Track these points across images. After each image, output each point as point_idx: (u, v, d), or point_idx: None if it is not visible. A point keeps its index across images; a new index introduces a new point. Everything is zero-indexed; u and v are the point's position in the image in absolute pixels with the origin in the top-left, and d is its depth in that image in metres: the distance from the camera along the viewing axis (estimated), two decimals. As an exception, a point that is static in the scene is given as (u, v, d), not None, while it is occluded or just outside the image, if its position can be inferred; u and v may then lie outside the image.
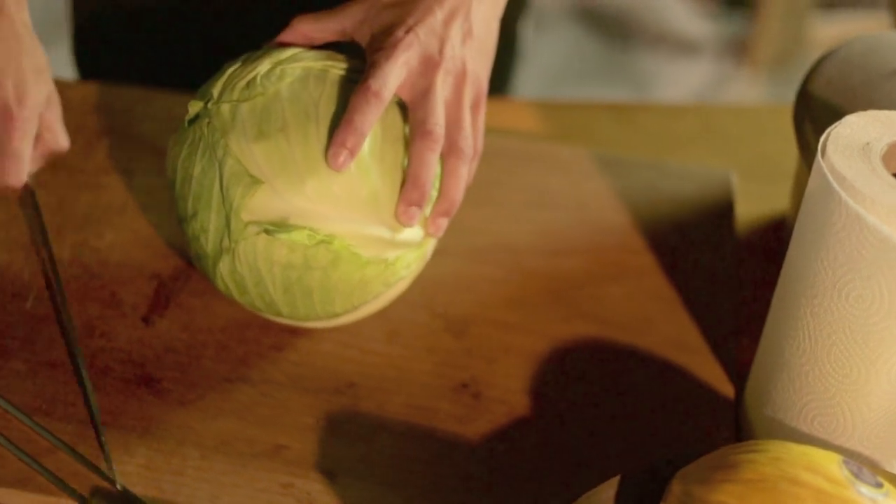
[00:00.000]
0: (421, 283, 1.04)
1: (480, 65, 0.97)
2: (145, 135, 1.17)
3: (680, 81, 2.93)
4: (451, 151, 0.93)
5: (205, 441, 0.94)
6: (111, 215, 1.10)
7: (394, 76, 0.91)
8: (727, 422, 0.98)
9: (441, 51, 0.93)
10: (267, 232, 0.89)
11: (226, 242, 0.92)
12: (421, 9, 0.94)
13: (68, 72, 1.51)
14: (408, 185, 0.91)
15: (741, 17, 3.10)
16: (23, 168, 0.96)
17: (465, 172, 0.94)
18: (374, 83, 0.90)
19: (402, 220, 0.91)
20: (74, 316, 1.02)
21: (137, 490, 0.90)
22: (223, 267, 0.93)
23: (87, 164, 1.14)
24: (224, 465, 0.92)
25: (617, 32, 3.05)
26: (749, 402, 0.96)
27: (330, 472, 0.92)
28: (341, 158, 0.88)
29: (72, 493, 0.90)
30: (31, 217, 0.92)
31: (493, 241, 1.11)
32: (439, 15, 0.94)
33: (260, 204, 0.90)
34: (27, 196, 0.99)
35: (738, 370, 1.02)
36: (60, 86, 1.21)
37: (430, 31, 0.93)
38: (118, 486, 0.90)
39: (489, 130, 1.23)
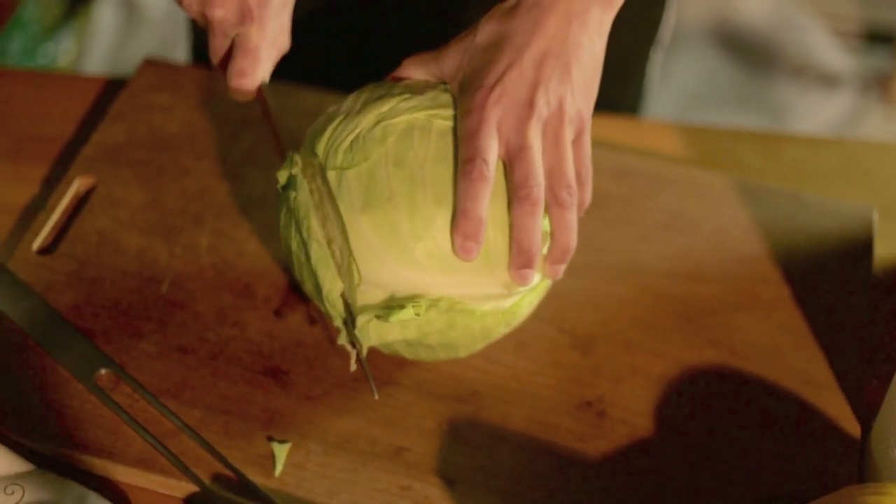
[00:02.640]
0: (549, 298, 1.04)
1: (581, 97, 0.92)
2: (290, 129, 1.17)
3: (817, 113, 2.89)
4: (554, 202, 0.90)
5: (328, 437, 0.94)
6: (250, 207, 1.11)
7: (491, 147, 0.88)
8: (851, 461, 0.97)
9: (532, 99, 0.89)
10: (378, 317, 0.89)
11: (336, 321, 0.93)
12: (510, 53, 0.91)
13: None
14: (514, 250, 0.89)
15: (884, 53, 3.05)
16: (260, 68, 0.99)
17: (572, 219, 0.91)
18: (476, 165, 0.87)
19: (516, 282, 0.90)
20: (208, 303, 1.03)
21: (258, 480, 0.91)
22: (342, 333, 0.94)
23: (231, 153, 1.16)
24: (345, 462, 0.93)
25: (756, 59, 3.02)
26: (875, 443, 0.95)
27: (448, 478, 0.93)
28: (472, 252, 0.87)
29: (193, 476, 0.91)
30: (267, 115, 0.92)
31: (625, 262, 1.10)
32: (529, 57, 0.90)
33: (370, 275, 0.89)
34: (262, 96, 0.98)
35: (866, 410, 1.00)
36: (210, 75, 1.24)
37: (520, 77, 0.90)
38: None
39: (628, 149, 1.23)
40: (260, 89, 0.99)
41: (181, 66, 1.26)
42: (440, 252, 0.88)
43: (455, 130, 0.90)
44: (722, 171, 1.21)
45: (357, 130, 0.91)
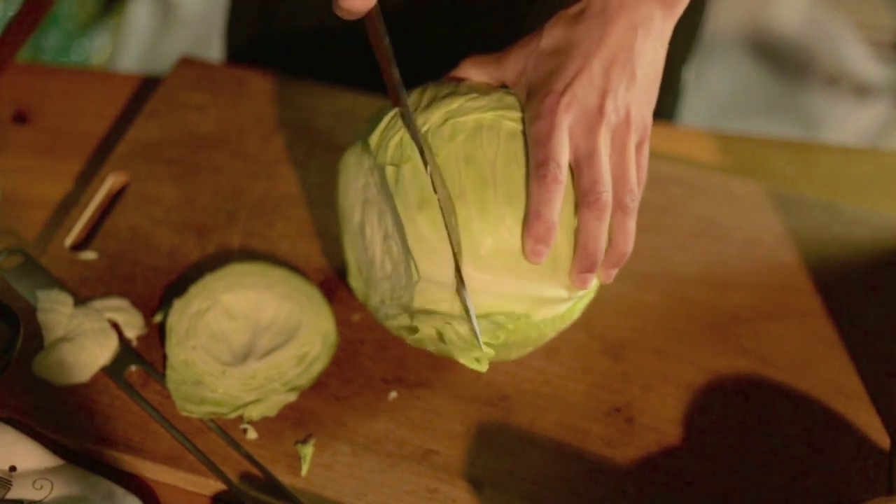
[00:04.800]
0: (581, 302, 1.04)
1: (645, 105, 0.93)
2: (323, 130, 1.18)
3: (851, 123, 2.88)
4: (617, 207, 0.90)
5: (356, 438, 0.94)
6: (283, 206, 1.11)
7: (563, 151, 0.88)
8: (880, 472, 0.96)
9: (602, 106, 0.90)
10: (447, 343, 0.89)
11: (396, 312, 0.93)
12: (578, 59, 0.91)
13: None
14: (578, 253, 0.89)
15: (919, 64, 3.04)
16: None
17: (632, 225, 0.91)
18: (550, 169, 0.87)
19: (576, 285, 0.90)
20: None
21: (285, 480, 0.91)
22: (392, 322, 0.94)
23: (264, 153, 1.16)
24: (373, 463, 0.93)
25: (790, 68, 3.01)
26: (905, 456, 0.94)
27: (476, 481, 0.93)
28: (542, 255, 0.87)
29: (220, 474, 0.91)
30: (379, 37, 0.89)
31: (657, 269, 1.10)
32: (597, 64, 0.90)
33: (431, 273, 0.88)
34: (374, 16, 0.93)
35: (895, 421, 1.00)
36: (245, 74, 1.24)
37: (589, 83, 0.90)
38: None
39: (662, 156, 1.22)
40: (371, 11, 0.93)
41: (216, 66, 1.26)
42: (508, 252, 0.87)
43: (523, 133, 0.90)
44: (755, 180, 1.21)
45: (425, 126, 0.91)
